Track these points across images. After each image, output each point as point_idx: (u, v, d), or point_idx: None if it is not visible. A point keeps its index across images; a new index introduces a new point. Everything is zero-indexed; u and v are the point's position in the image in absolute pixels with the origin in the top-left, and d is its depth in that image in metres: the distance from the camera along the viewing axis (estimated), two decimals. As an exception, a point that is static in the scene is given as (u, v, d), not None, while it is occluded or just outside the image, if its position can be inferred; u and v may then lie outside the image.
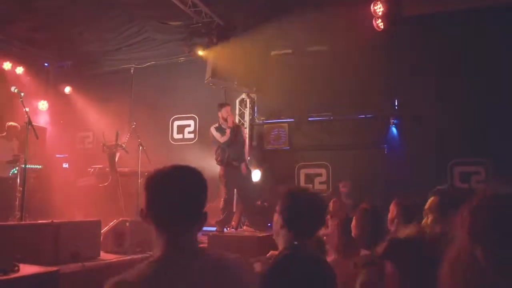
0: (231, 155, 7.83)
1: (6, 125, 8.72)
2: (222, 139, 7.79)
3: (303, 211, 2.50)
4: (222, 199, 7.75)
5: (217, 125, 7.98)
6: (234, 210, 8.69)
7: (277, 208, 2.60)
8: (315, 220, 2.58)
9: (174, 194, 1.75)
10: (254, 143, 10.20)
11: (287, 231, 2.51)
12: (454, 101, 8.46)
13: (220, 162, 7.87)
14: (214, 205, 7.82)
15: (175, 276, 1.66)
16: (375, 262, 2.64)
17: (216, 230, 7.62)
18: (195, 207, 1.79)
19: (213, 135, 7.90)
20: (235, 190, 8.18)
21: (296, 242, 2.48)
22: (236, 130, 8.02)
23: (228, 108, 8.12)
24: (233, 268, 1.83)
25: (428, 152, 8.51)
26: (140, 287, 1.61)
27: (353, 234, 3.42)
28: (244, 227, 7.92)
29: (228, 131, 7.79)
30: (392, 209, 3.63)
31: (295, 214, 2.50)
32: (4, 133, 8.70)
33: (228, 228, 8.11)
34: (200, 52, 9.27)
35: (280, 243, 2.56)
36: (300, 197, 2.59)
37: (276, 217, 2.58)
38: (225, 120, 7.94)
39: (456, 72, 8.51)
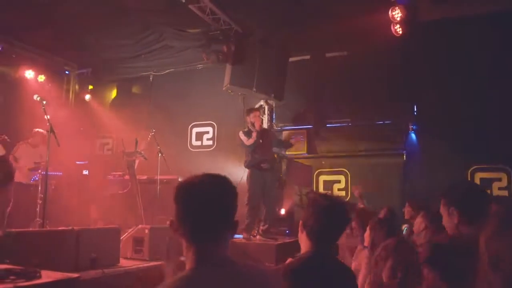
0: (260, 157, 7.84)
1: (33, 131, 8.84)
2: (248, 142, 7.82)
3: (323, 218, 2.48)
4: (246, 204, 7.71)
5: (246, 129, 8.03)
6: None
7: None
8: (335, 227, 2.55)
9: (206, 204, 1.71)
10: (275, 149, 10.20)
11: (306, 237, 2.51)
12: (474, 106, 8.37)
13: (248, 164, 7.90)
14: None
15: None
16: None
17: (243, 237, 7.56)
18: (227, 217, 1.76)
19: (240, 139, 7.93)
20: (261, 195, 8.02)
21: (315, 249, 2.47)
22: (264, 133, 8.03)
23: (256, 113, 8.14)
24: (263, 280, 1.81)
25: (448, 158, 8.42)
26: None
27: (365, 244, 3.40)
28: (258, 237, 7.83)
29: (254, 134, 7.81)
30: (419, 222, 3.58)
31: (315, 221, 2.48)
32: (30, 139, 8.83)
33: (253, 236, 8.05)
34: (218, 59, 9.30)
35: (302, 247, 2.56)
36: (320, 204, 2.55)
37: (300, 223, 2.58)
38: (253, 124, 7.98)
39: (475, 76, 8.41)
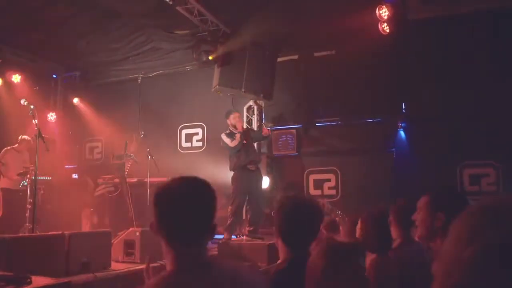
0: (245, 159, 7.83)
1: (20, 138, 8.80)
2: (232, 143, 7.80)
3: (293, 222, 2.43)
4: (231, 205, 7.72)
5: (228, 131, 8.02)
6: (244, 217, 8.67)
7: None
8: (306, 232, 2.49)
9: (184, 208, 1.72)
10: (263, 150, 10.19)
11: (282, 243, 2.47)
12: (462, 103, 8.43)
13: (234, 167, 7.89)
14: (223, 213, 7.80)
15: None
16: None
17: (223, 238, 7.57)
18: (205, 220, 1.77)
19: (224, 142, 7.91)
20: (246, 196, 8.04)
21: (292, 255, 2.43)
22: (246, 134, 8.03)
23: (235, 114, 8.17)
24: (245, 279, 1.82)
25: (437, 155, 8.47)
26: None
27: (357, 235, 3.43)
28: (244, 237, 7.82)
29: (238, 135, 7.79)
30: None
31: (286, 226, 2.44)
32: (16, 145, 8.79)
33: (238, 236, 8.07)
34: (208, 60, 9.29)
35: (280, 255, 2.52)
36: (290, 208, 2.51)
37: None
38: (234, 126, 7.97)
39: (463, 74, 8.48)
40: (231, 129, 8.02)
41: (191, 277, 1.68)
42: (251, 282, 1.85)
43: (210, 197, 1.79)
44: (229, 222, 7.64)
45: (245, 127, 8.24)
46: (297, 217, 2.45)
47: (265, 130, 8.51)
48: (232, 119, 8.03)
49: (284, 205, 2.54)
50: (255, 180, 7.94)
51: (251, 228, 7.76)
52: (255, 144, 8.66)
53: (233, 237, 7.84)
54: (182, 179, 1.80)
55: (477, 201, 0.93)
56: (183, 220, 1.72)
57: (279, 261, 2.51)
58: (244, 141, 7.83)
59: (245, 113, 10.36)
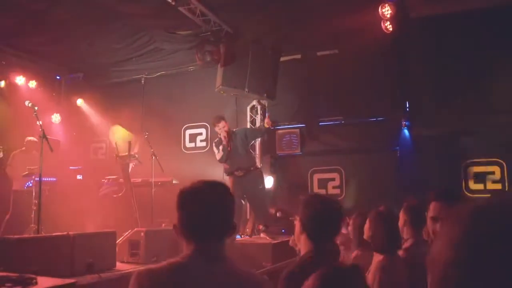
0: (231, 167, 7.91)
1: (26, 140, 8.88)
2: (217, 156, 7.90)
3: (320, 218, 2.59)
4: None
5: (216, 140, 8.06)
6: (248, 217, 8.70)
7: (298, 214, 2.70)
8: (331, 226, 2.66)
9: (206, 210, 1.85)
10: (267, 150, 10.20)
11: (306, 237, 2.60)
12: (466, 101, 8.42)
13: (226, 172, 8.10)
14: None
15: (196, 276, 1.78)
16: None
17: None
18: (226, 221, 1.91)
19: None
20: (242, 199, 8.10)
21: (315, 247, 2.57)
22: (232, 140, 7.97)
23: (220, 124, 7.93)
24: (251, 280, 1.94)
25: (442, 153, 8.47)
26: (164, 275, 1.74)
27: (365, 236, 3.41)
28: (261, 234, 7.87)
29: (221, 147, 7.84)
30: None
31: (313, 221, 2.59)
32: (23, 148, 8.87)
33: (242, 236, 8.09)
34: (211, 60, 9.28)
35: (302, 248, 2.66)
36: (316, 204, 2.67)
37: (297, 223, 2.68)
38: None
39: (467, 71, 8.46)
40: (219, 136, 8.03)
41: (201, 265, 1.80)
42: (255, 282, 1.97)
43: (230, 199, 1.95)
44: None
45: (229, 132, 8.04)
46: (324, 214, 2.61)
47: (268, 121, 8.24)
48: (217, 129, 8.00)
49: (311, 202, 2.69)
50: (246, 183, 7.90)
51: (263, 227, 7.80)
52: (257, 143, 8.65)
53: (238, 237, 7.85)
54: (204, 182, 1.93)
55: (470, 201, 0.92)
56: (205, 222, 1.85)
57: (302, 254, 2.63)
58: (229, 148, 7.82)
59: (248, 113, 10.38)
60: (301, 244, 2.66)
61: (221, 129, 7.92)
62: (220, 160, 7.94)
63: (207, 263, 1.80)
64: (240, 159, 7.99)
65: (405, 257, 3.23)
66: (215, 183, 1.95)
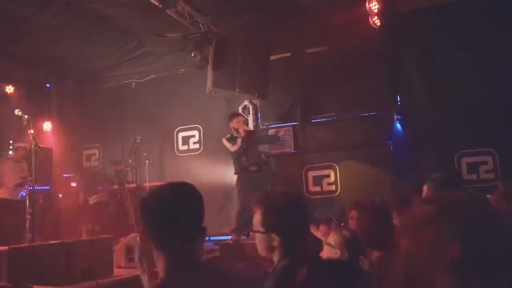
0: (246, 161, 7.86)
1: (15, 146, 8.77)
2: (232, 148, 7.86)
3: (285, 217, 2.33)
4: (237, 208, 7.73)
5: (228, 135, 8.04)
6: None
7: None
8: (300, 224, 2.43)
9: (172, 213, 1.75)
10: (260, 149, 10.20)
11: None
12: (457, 92, 8.46)
13: (237, 171, 7.97)
14: (225, 213, 7.77)
15: None
16: None
17: (231, 239, 7.56)
18: (195, 224, 1.79)
19: (225, 146, 7.97)
20: (251, 194, 8.02)
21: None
22: (248, 136, 8.03)
23: (239, 118, 8.25)
24: (238, 279, 1.84)
25: (434, 145, 8.51)
26: None
27: (356, 228, 3.35)
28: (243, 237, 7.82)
29: (239, 140, 7.82)
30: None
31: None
32: (13, 155, 8.77)
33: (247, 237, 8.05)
34: (200, 62, 9.27)
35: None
36: (279, 204, 2.40)
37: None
38: (237, 130, 7.99)
39: (457, 63, 8.48)
40: (233, 132, 8.03)
41: (183, 282, 1.69)
42: (245, 282, 1.86)
43: (198, 201, 1.82)
44: (236, 224, 7.64)
45: (248, 129, 8.23)
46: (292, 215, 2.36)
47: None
48: (235, 123, 8.07)
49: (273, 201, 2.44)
50: (257, 180, 7.92)
51: (246, 231, 7.76)
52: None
53: (243, 237, 7.80)
54: (168, 185, 1.86)
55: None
56: (173, 226, 1.74)
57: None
58: (244, 146, 7.84)
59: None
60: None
61: (239, 122, 8.12)
62: (236, 152, 7.92)
63: (187, 279, 1.69)
64: (255, 155, 8.14)
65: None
66: (181, 184, 1.85)
